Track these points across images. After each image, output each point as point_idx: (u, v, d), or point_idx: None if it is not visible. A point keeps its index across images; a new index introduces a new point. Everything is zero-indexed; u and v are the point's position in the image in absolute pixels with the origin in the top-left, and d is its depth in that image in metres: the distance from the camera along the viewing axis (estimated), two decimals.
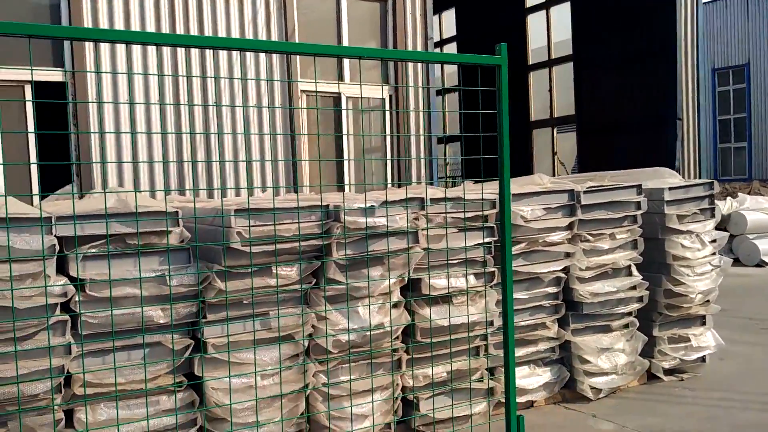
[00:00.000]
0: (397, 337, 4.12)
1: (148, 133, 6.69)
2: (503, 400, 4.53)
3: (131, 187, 6.54)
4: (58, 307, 3.20)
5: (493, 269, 4.44)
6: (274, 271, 3.67)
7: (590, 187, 4.83)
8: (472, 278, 4.36)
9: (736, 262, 11.36)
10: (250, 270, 3.58)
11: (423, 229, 4.11)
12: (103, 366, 3.33)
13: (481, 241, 4.38)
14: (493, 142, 3.67)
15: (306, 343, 3.82)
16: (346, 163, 7.95)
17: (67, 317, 3.24)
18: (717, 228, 5.55)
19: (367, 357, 3.99)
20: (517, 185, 4.85)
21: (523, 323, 4.64)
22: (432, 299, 4.20)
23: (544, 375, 4.78)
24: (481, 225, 4.37)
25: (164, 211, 3.44)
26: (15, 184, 6.22)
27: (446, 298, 4.24)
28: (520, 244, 4.57)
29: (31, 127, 6.22)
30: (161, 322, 3.43)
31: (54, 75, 6.44)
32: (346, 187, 7.35)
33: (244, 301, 3.65)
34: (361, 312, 3.93)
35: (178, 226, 3.50)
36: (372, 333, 3.92)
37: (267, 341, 3.70)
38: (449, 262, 4.25)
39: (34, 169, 6.26)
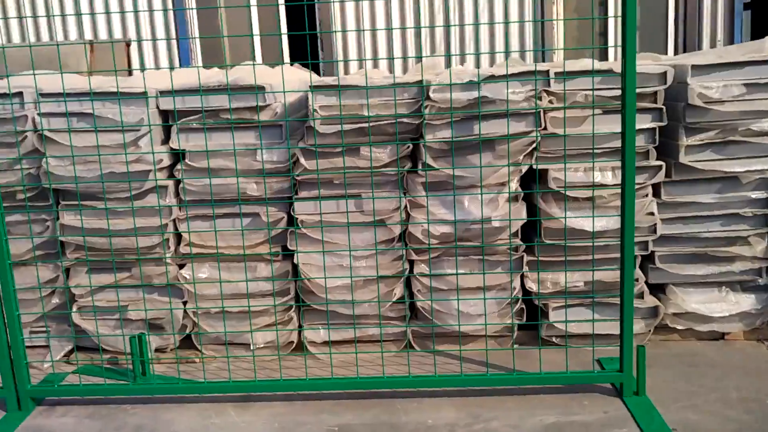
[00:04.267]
0: (517, 234, 3.61)
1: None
2: (672, 325, 3.77)
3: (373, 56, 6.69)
4: (153, 172, 3.54)
5: (658, 163, 3.51)
6: (362, 152, 3.48)
7: None
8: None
9: None
10: (328, 149, 3.46)
11: (549, 109, 3.41)
12: (208, 230, 3.64)
13: (642, 127, 3.46)
14: None
15: (399, 230, 3.60)
16: (611, 21, 6.83)
17: (168, 182, 3.59)
18: None
19: (475, 252, 3.61)
20: (723, 53, 3.63)
21: (708, 234, 3.63)
22: (567, 196, 3.53)
23: (741, 303, 3.72)
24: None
25: (253, 86, 3.48)
26: (268, 54, 6.87)
27: (584, 196, 3.53)
28: (707, 132, 3.48)
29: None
30: (254, 194, 3.58)
31: None
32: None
33: (335, 181, 3.56)
34: (466, 202, 3.52)
35: (265, 101, 3.51)
36: (476, 227, 3.51)
37: (359, 224, 3.59)
38: (593, 151, 3.49)
39: (285, 40, 6.81)
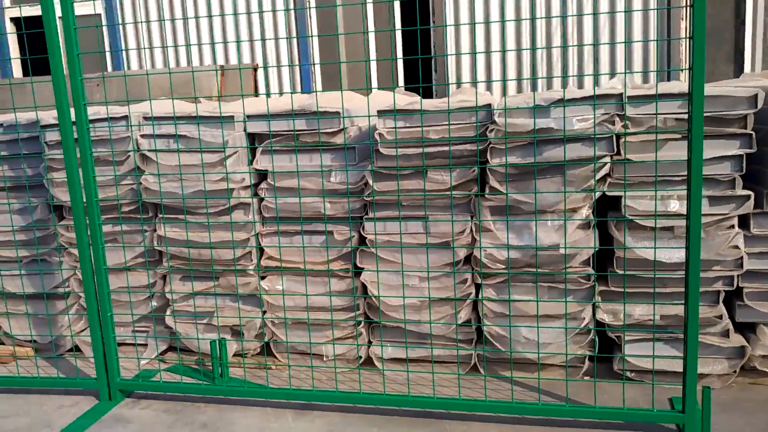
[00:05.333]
0: (589, 263, 3.48)
1: (501, 21, 6.61)
2: (761, 368, 3.49)
3: (491, 77, 6.70)
4: (236, 190, 3.81)
5: (745, 192, 3.25)
6: (428, 176, 3.53)
7: None
8: (705, 202, 3.29)
9: None
10: (396, 172, 3.55)
11: (622, 134, 3.28)
12: (285, 245, 3.85)
13: (727, 154, 3.23)
14: None
15: (462, 253, 3.60)
16: (748, 41, 6.32)
17: (250, 200, 3.85)
18: None
19: (545, 279, 3.52)
20: None
21: None
22: (638, 225, 3.36)
23: None
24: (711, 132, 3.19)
25: (331, 110, 3.65)
26: (384, 77, 7.08)
27: (659, 225, 3.34)
28: None
29: (398, 24, 6.91)
30: (328, 213, 3.74)
31: None
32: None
33: (404, 203, 3.64)
34: (533, 228, 3.45)
35: (340, 125, 3.66)
36: (544, 253, 3.43)
37: (418, 245, 3.63)
38: (655, 178, 3.31)
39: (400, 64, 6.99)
